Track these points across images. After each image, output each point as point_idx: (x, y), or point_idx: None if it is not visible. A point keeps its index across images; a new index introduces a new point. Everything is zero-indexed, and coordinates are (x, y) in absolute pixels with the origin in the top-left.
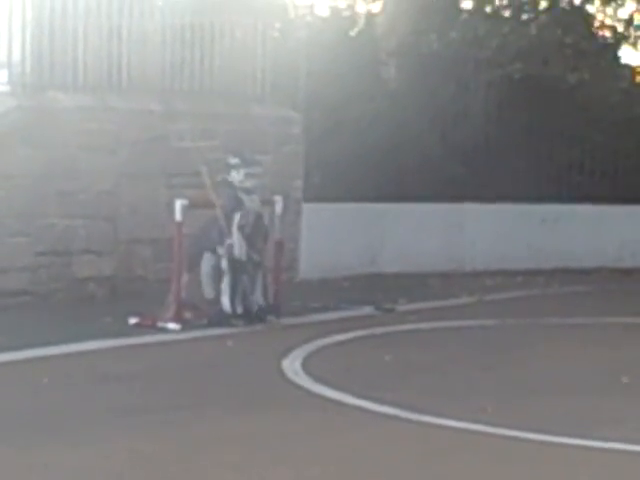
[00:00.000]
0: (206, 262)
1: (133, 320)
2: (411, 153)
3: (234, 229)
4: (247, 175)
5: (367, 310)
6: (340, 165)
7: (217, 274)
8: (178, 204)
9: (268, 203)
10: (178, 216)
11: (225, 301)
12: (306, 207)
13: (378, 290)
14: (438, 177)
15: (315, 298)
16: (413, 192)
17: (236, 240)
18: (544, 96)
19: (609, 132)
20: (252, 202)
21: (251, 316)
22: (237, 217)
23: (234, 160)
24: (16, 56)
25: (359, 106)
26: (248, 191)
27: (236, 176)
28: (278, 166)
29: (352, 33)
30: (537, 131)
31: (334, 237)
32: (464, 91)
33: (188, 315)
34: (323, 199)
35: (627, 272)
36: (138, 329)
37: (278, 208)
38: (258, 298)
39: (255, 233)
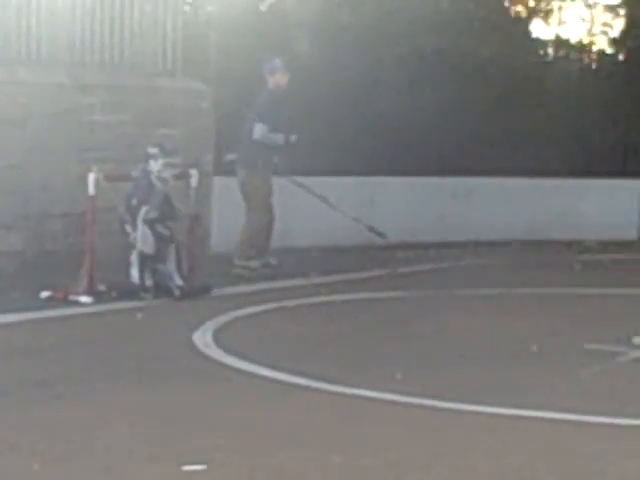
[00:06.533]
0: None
1: (45, 294)
2: (322, 127)
3: (139, 222)
4: (165, 165)
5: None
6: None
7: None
8: (91, 177)
9: (182, 176)
10: (91, 190)
11: (134, 273)
12: (217, 181)
13: (291, 263)
14: (350, 151)
15: (228, 272)
16: (324, 166)
17: (140, 234)
18: (455, 70)
19: (520, 106)
20: (164, 186)
21: (161, 289)
22: (143, 210)
23: (153, 150)
24: None
25: None
26: (165, 181)
27: (155, 166)
28: (188, 140)
29: (263, 7)
30: (448, 105)
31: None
32: (376, 65)
33: (101, 287)
34: (234, 173)
35: (537, 244)
36: (49, 303)
37: (194, 181)
38: (175, 278)
39: (164, 213)
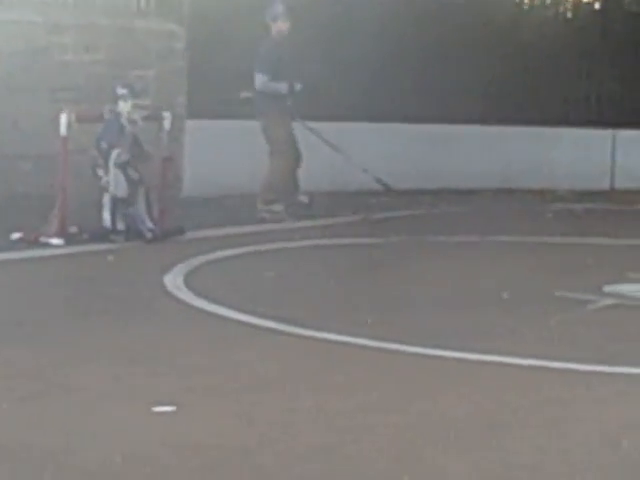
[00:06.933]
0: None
1: (16, 235)
2: (296, 71)
3: (111, 165)
4: (135, 106)
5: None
6: (225, 82)
7: None
8: (63, 118)
9: (155, 118)
10: (63, 130)
11: (106, 216)
12: (190, 124)
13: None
14: (324, 96)
15: (201, 215)
16: (299, 110)
17: (112, 177)
18: (431, 17)
19: (495, 54)
20: (133, 128)
21: (132, 232)
22: (114, 154)
23: (122, 91)
24: None
25: (245, 22)
26: (134, 122)
27: (124, 107)
28: (161, 81)
29: None
30: (423, 52)
31: (218, 155)
32: (350, 9)
33: (73, 230)
34: (207, 116)
35: (512, 192)
36: (20, 244)
37: (166, 124)
38: (146, 221)
39: (134, 155)
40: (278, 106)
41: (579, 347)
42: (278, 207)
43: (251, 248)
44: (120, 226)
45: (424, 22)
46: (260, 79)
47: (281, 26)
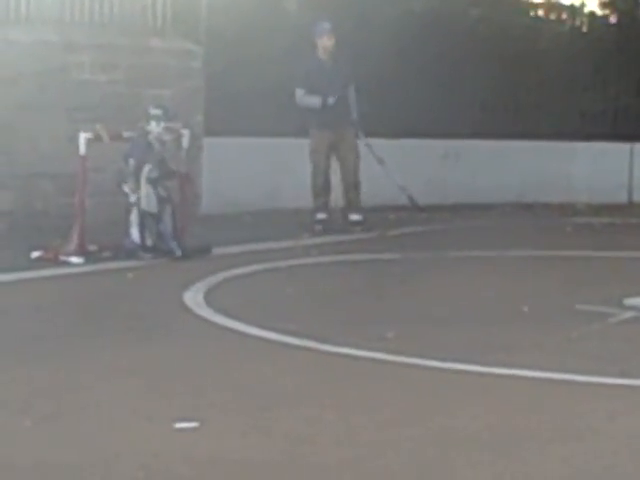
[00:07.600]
0: None
1: (36, 254)
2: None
3: (142, 181)
4: (166, 129)
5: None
6: (242, 99)
7: None
8: (82, 137)
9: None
10: (82, 149)
11: (134, 233)
12: (207, 142)
13: (280, 225)
14: None
15: (220, 232)
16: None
17: (144, 193)
18: (446, 31)
19: (511, 67)
20: (161, 147)
21: (160, 249)
22: (146, 169)
23: (155, 111)
24: None
25: (261, 40)
26: (164, 143)
27: (155, 128)
28: (179, 100)
29: None
30: (437, 67)
31: (236, 172)
32: (365, 26)
33: (92, 248)
34: (224, 133)
35: (528, 207)
36: (40, 263)
37: (185, 141)
38: (175, 238)
39: (162, 173)
40: (314, 119)
41: (600, 360)
42: (319, 215)
43: (270, 265)
44: (149, 242)
45: (438, 36)
46: (297, 93)
47: (326, 42)
